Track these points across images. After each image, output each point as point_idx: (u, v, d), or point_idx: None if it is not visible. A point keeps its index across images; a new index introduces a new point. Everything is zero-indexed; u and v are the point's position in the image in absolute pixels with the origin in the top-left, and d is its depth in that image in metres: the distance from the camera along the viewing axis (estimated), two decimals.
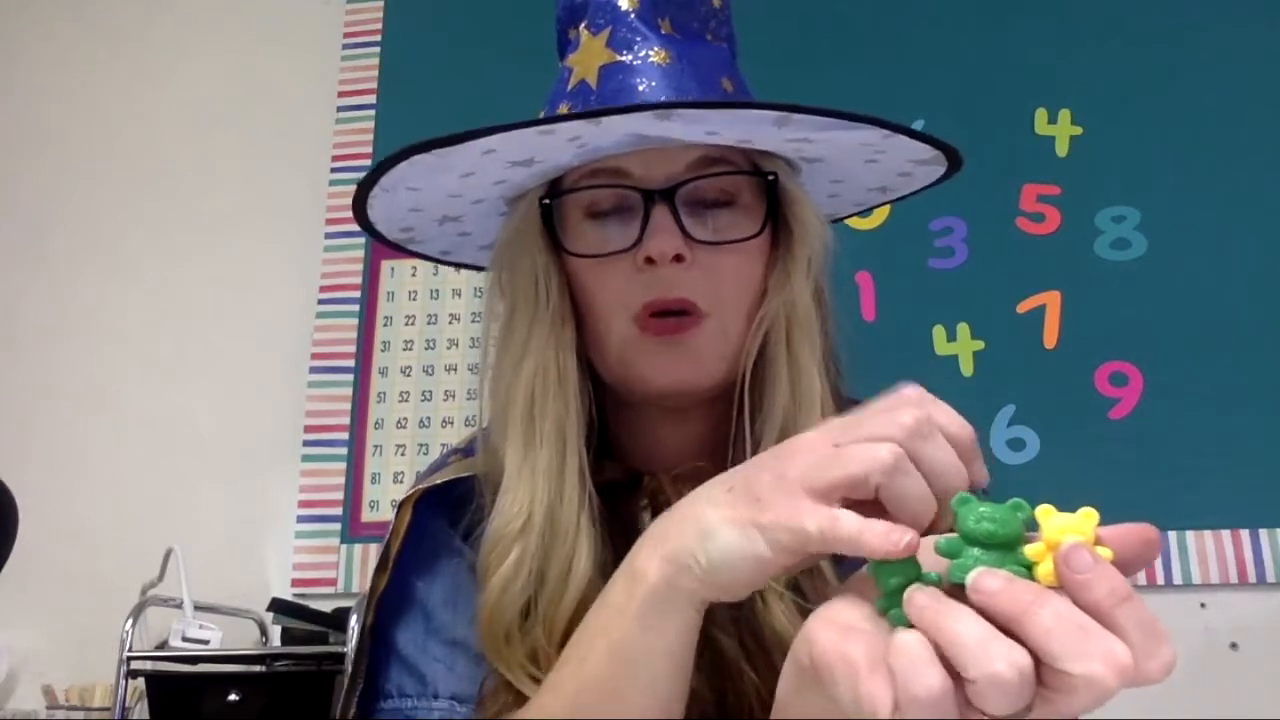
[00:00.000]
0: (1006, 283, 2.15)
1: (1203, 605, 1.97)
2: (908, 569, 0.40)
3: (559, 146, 0.69)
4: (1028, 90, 2.27)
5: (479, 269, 0.86)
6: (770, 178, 0.72)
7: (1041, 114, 2.26)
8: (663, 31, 0.73)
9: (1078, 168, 2.21)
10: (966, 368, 2.14)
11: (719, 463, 0.70)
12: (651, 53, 0.72)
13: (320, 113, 2.50)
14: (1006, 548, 0.39)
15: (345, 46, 2.56)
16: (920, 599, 0.39)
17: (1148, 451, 2.02)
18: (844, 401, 0.74)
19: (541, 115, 0.75)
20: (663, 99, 0.70)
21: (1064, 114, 2.25)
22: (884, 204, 0.85)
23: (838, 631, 0.41)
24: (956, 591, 0.39)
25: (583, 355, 0.73)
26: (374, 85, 2.51)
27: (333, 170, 2.46)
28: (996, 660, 0.35)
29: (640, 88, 0.71)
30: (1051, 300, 2.14)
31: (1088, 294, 2.13)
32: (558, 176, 0.73)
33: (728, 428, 0.71)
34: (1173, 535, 1.99)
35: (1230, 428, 2.01)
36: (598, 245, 0.71)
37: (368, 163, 2.45)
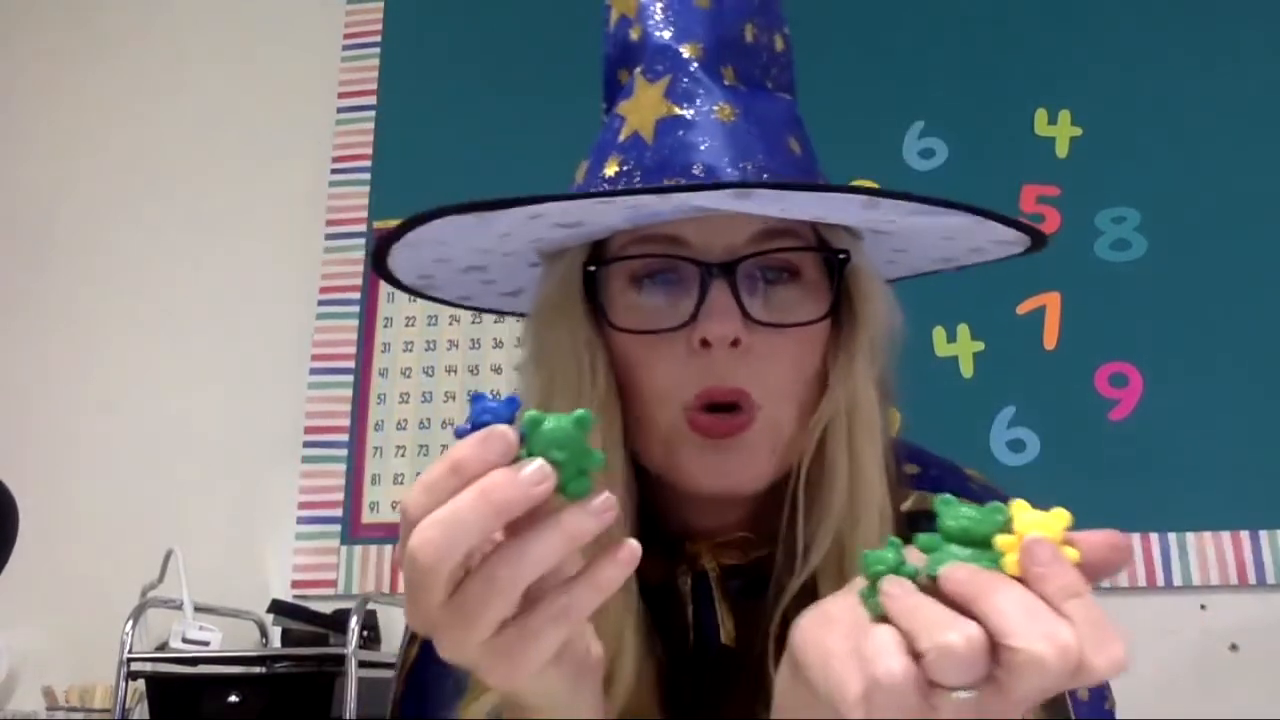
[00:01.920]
0: (1006, 283, 2.15)
1: (1203, 606, 1.97)
2: (891, 560, 0.42)
3: (612, 210, 0.63)
4: (1028, 90, 2.27)
5: (500, 313, 0.82)
6: (842, 256, 0.66)
7: (1041, 114, 2.26)
8: (726, 83, 0.67)
9: (1078, 168, 2.21)
10: (966, 368, 2.14)
11: (763, 538, 0.68)
12: (715, 108, 0.66)
13: (320, 113, 2.50)
14: (981, 545, 0.41)
15: (345, 46, 2.56)
16: (892, 587, 0.41)
17: (1148, 452, 2.02)
18: (906, 467, 0.71)
19: (586, 165, 0.70)
20: (726, 163, 0.64)
21: (1064, 114, 2.25)
22: (942, 271, 0.81)
23: (819, 621, 0.44)
24: (934, 585, 0.41)
25: (626, 436, 0.67)
26: (374, 85, 2.51)
27: (333, 171, 2.46)
28: (949, 631, 0.37)
29: (702, 146, 0.65)
30: (1051, 301, 2.15)
31: (1088, 294, 2.13)
32: (602, 238, 0.68)
33: (776, 511, 0.66)
34: (1173, 536, 1.99)
35: (1230, 428, 2.01)
36: (647, 320, 0.65)
37: (368, 163, 2.45)
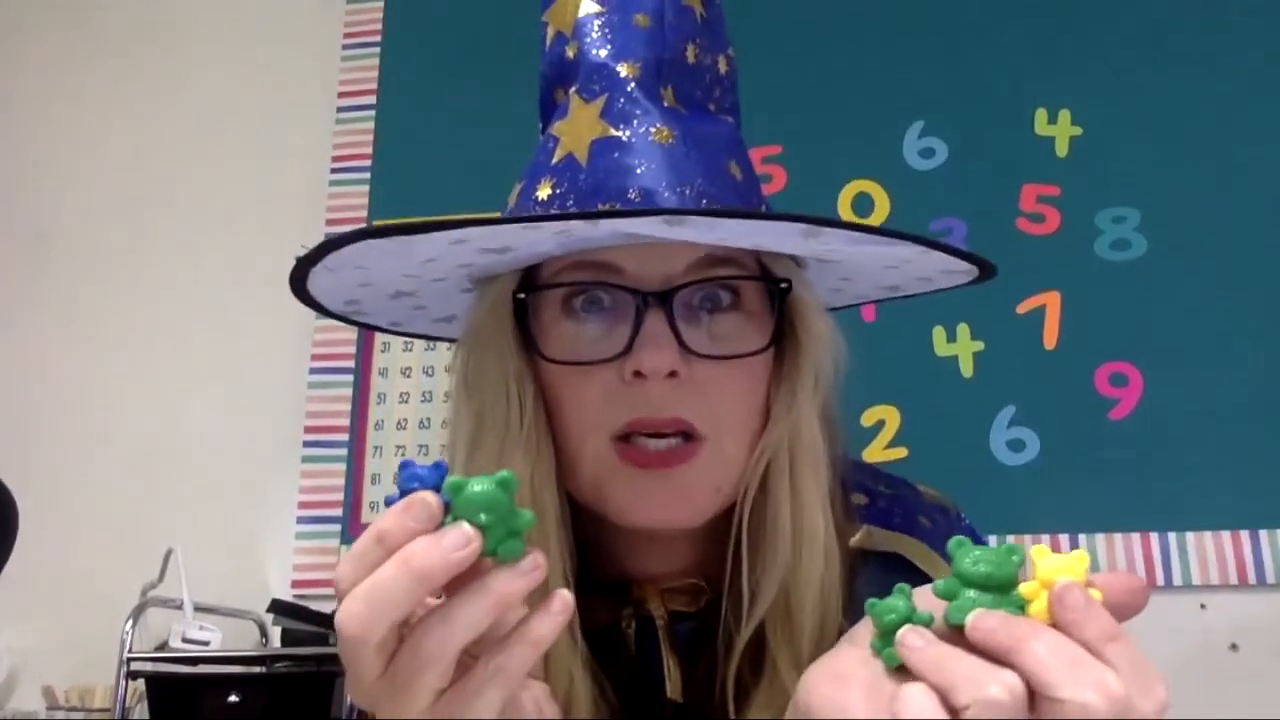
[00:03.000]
0: (1006, 283, 2.13)
1: (1203, 606, 1.97)
2: (903, 608, 0.41)
3: (542, 237, 0.60)
4: (1028, 90, 2.27)
5: (435, 339, 0.79)
6: (784, 285, 0.63)
7: (1041, 114, 2.26)
8: (665, 104, 0.64)
9: (1078, 168, 2.21)
10: (966, 368, 2.14)
11: (713, 583, 0.66)
12: (653, 130, 0.63)
13: (320, 113, 2.50)
14: (1001, 589, 0.41)
15: (345, 46, 2.56)
16: (911, 639, 0.40)
17: (1148, 451, 2.02)
18: (854, 497, 0.68)
19: (520, 187, 0.67)
20: (664, 187, 0.61)
21: (1064, 114, 2.25)
22: (890, 300, 0.78)
23: (834, 681, 0.42)
24: (953, 632, 0.40)
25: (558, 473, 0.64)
26: (374, 85, 2.51)
27: (333, 171, 2.46)
28: (989, 684, 0.36)
29: (638, 170, 0.62)
30: (1051, 300, 2.14)
31: (1088, 294, 2.13)
32: (534, 264, 0.65)
33: (722, 550, 0.64)
34: (1173, 536, 1.99)
35: (1230, 428, 2.01)
36: (578, 350, 0.62)
37: (368, 163, 2.45)
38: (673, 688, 0.64)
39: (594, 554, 0.68)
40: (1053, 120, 2.25)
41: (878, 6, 2.37)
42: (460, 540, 0.42)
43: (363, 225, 0.55)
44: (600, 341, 0.62)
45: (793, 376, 0.64)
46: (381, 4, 2.57)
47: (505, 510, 0.44)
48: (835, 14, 2.36)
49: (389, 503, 0.45)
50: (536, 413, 0.63)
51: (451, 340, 0.76)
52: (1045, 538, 1.93)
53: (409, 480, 0.45)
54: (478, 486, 0.44)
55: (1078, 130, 2.24)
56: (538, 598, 0.45)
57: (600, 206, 0.61)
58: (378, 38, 2.55)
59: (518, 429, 0.62)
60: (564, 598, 0.45)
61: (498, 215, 0.60)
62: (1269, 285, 2.09)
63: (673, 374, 0.60)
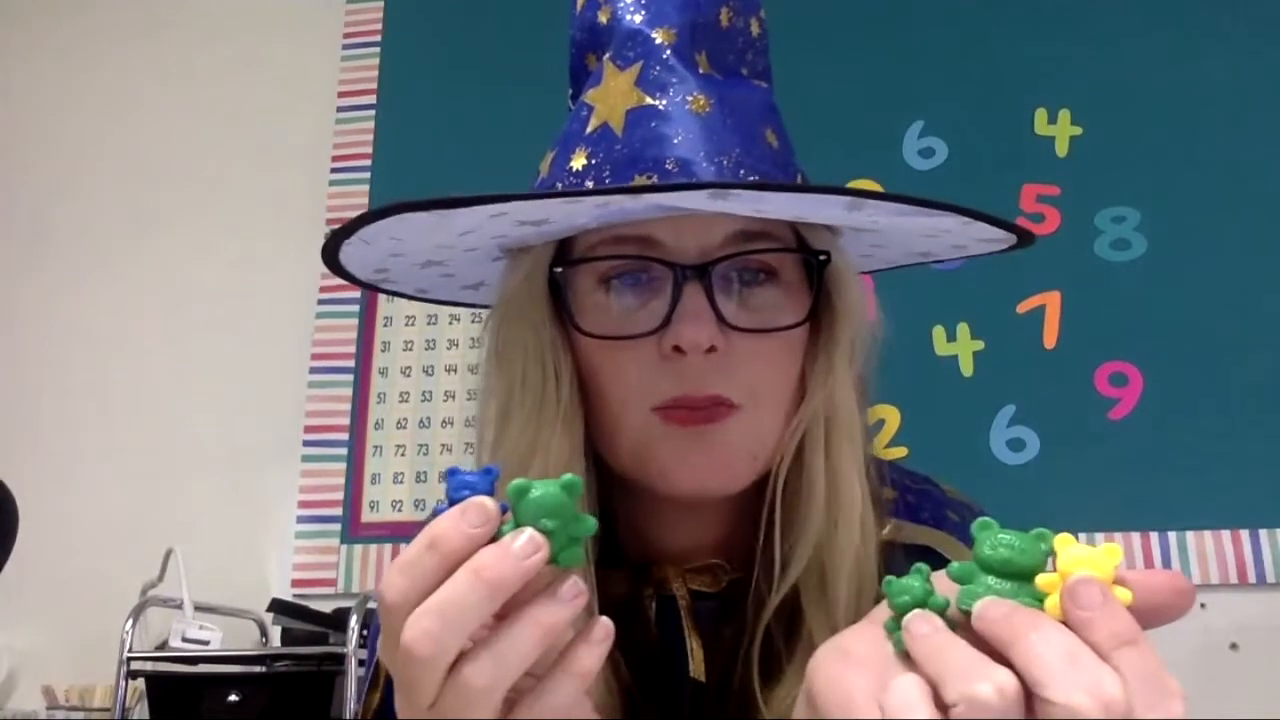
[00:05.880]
0: (1006, 283, 2.15)
1: (1203, 605, 1.97)
2: (918, 590, 0.39)
3: (580, 209, 0.59)
4: (1028, 90, 2.27)
5: (461, 305, 0.78)
6: (823, 258, 0.62)
7: (1041, 114, 2.26)
8: (700, 71, 0.63)
9: (1078, 168, 2.21)
10: (966, 368, 2.14)
11: (736, 562, 0.65)
12: (689, 99, 0.62)
13: (320, 113, 2.51)
14: (1021, 578, 0.38)
15: (345, 46, 2.56)
16: (917, 625, 0.37)
17: (1148, 451, 2.02)
18: (883, 492, 0.67)
19: (552, 156, 0.66)
20: (701, 158, 0.60)
21: (1064, 114, 2.25)
22: (920, 265, 0.77)
23: (841, 661, 0.40)
24: (969, 622, 0.37)
25: (589, 444, 0.63)
26: (374, 85, 2.52)
27: (333, 170, 2.46)
28: (978, 682, 0.34)
29: (675, 140, 0.61)
30: (1051, 300, 2.15)
31: (1088, 294, 2.14)
32: (569, 236, 0.64)
33: (751, 528, 0.63)
34: (1173, 535, 1.99)
35: (1230, 428, 2.01)
36: (616, 324, 0.61)
37: (368, 163, 2.45)
38: (695, 666, 0.64)
39: (619, 530, 0.67)
40: (1053, 120, 2.25)
41: (878, 6, 2.37)
42: (530, 547, 0.40)
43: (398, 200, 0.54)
44: (637, 315, 0.61)
45: (830, 347, 0.63)
46: (381, 4, 2.58)
47: (569, 515, 0.41)
48: (835, 14, 2.36)
49: (438, 513, 0.42)
50: (573, 384, 0.62)
51: (475, 306, 0.76)
52: None
53: (459, 487, 0.42)
54: (542, 489, 0.41)
55: (1078, 130, 2.24)
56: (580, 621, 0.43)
57: (637, 178, 0.60)
58: (378, 37, 2.55)
59: (554, 401, 0.62)
60: (605, 625, 0.43)
61: (537, 190, 0.59)
62: (1269, 285, 2.09)
63: (711, 349, 0.59)
